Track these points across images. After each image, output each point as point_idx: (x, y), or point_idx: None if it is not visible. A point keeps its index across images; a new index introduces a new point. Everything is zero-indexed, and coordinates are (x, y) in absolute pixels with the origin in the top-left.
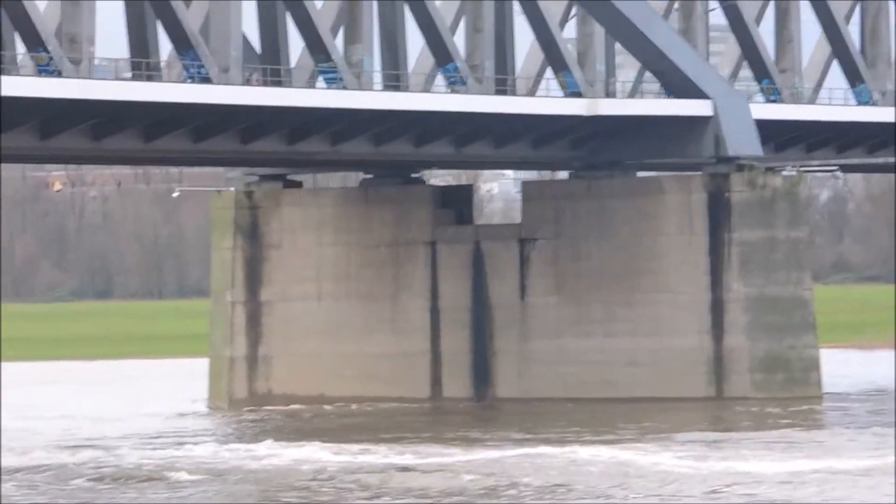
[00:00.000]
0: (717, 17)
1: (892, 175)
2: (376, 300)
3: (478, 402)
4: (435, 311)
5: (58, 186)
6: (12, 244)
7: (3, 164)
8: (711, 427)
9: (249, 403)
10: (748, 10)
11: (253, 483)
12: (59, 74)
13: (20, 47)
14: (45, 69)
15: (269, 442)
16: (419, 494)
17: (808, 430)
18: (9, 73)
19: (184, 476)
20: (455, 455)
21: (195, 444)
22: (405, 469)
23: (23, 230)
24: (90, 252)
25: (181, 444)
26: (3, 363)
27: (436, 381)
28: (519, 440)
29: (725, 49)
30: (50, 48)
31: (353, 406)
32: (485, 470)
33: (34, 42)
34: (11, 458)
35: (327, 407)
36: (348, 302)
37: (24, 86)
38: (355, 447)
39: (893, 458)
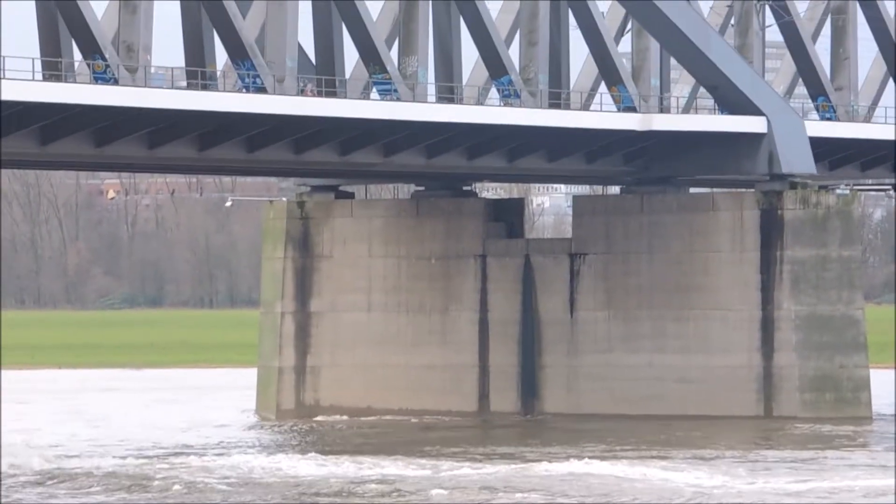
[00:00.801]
0: (774, 34)
1: None
2: (426, 312)
3: (525, 416)
4: (484, 325)
5: (111, 194)
6: (65, 251)
7: (57, 172)
8: (778, 446)
9: (297, 414)
10: (805, 28)
11: (321, 495)
12: (115, 82)
13: (77, 54)
14: (102, 77)
15: (340, 455)
16: None
17: (881, 450)
18: (65, 80)
19: (250, 488)
20: (534, 469)
21: (263, 454)
22: (469, 485)
23: (76, 237)
24: (142, 260)
25: (250, 453)
26: (55, 370)
27: (483, 395)
28: (591, 456)
29: (781, 66)
30: (107, 56)
31: (413, 420)
32: (558, 488)
33: (91, 49)
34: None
35: (385, 418)
36: (398, 314)
37: (81, 93)
38: (412, 461)
39: None
